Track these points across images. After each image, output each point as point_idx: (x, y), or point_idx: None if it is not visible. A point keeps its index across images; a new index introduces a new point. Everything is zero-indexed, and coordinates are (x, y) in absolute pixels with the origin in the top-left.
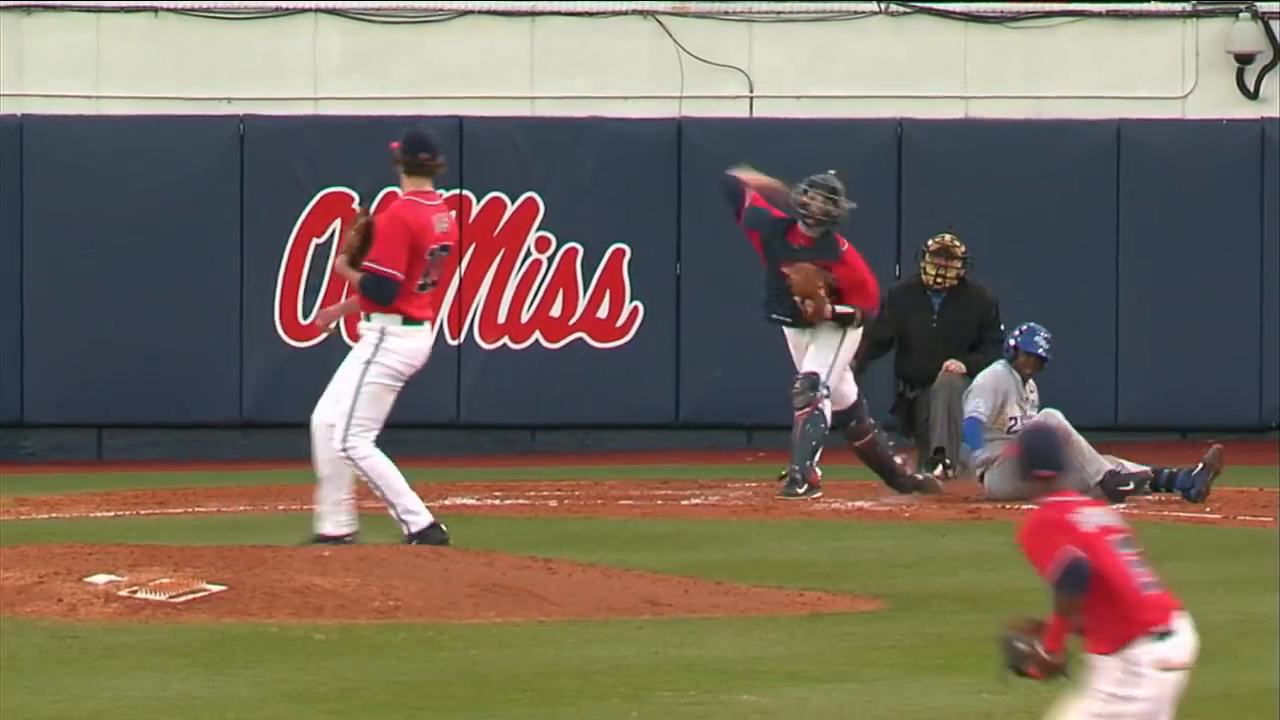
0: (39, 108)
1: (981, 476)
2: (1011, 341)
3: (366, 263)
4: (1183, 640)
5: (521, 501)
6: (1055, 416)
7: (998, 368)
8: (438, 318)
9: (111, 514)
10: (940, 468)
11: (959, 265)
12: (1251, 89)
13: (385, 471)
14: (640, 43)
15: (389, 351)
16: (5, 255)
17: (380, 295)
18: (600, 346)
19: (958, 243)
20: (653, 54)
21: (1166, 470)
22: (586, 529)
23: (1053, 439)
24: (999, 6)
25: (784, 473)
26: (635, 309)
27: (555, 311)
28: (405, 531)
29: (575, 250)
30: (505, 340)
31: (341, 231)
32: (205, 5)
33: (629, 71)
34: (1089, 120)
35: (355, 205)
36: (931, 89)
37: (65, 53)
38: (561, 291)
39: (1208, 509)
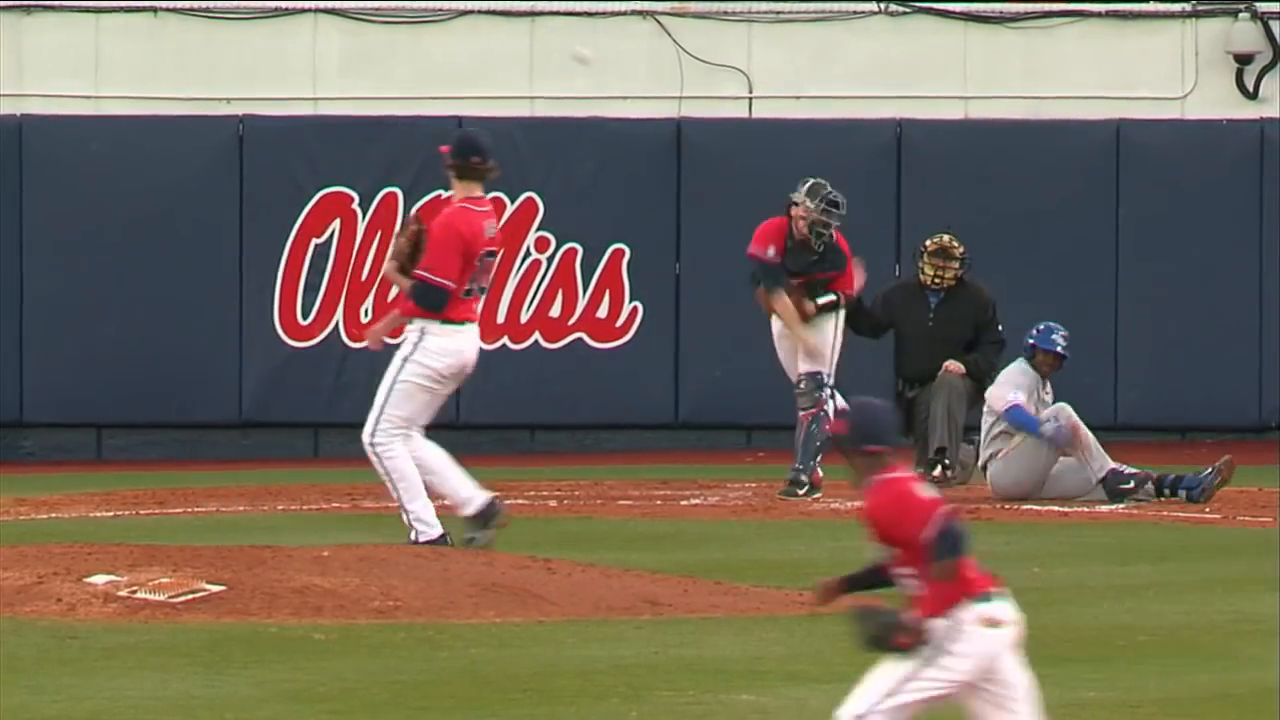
0: (38, 107)
1: (984, 467)
2: (1030, 340)
3: (419, 271)
4: (1005, 604)
5: (521, 501)
6: (1066, 411)
7: (1017, 365)
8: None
9: (111, 514)
10: (940, 468)
11: (957, 266)
12: (1251, 89)
13: (408, 473)
14: (640, 43)
15: (427, 350)
16: (5, 255)
17: (431, 303)
18: (599, 346)
19: (956, 243)
20: (652, 54)
21: (1172, 474)
22: (586, 529)
23: (881, 414)
24: (998, 7)
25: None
26: (635, 309)
27: (555, 311)
28: (412, 538)
29: (575, 250)
30: (505, 340)
31: (392, 237)
32: (205, 5)
33: (628, 72)
34: (1088, 120)
35: (402, 212)
36: (931, 89)
37: (65, 52)
38: (561, 291)
39: (1207, 509)
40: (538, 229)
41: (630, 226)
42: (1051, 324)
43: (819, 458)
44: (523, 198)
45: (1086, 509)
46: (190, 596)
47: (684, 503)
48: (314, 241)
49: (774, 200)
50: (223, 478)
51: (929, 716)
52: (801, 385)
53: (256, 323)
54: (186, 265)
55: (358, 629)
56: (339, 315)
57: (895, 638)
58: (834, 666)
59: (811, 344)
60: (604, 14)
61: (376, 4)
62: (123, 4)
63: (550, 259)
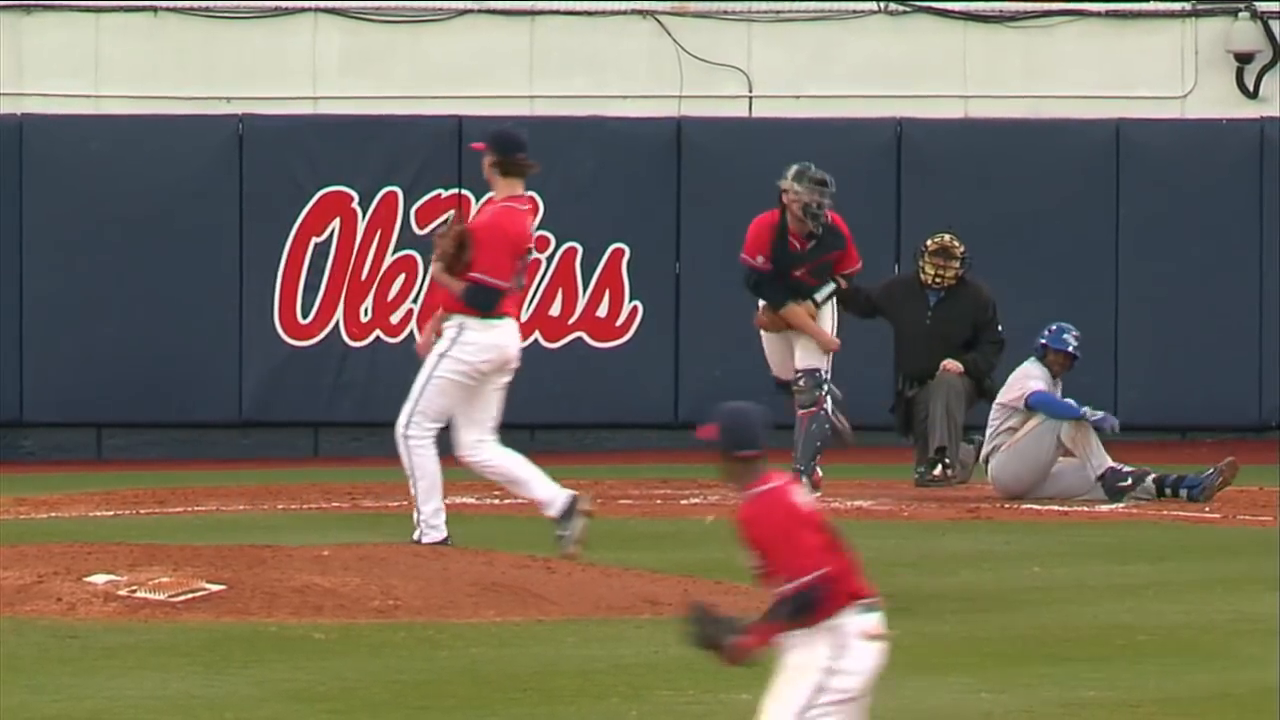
0: (38, 107)
1: (987, 459)
2: (1041, 340)
3: (474, 274)
4: (880, 615)
5: (521, 501)
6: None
7: (1029, 364)
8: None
9: (111, 513)
10: (941, 467)
11: (958, 265)
12: (1251, 88)
13: (431, 472)
14: (639, 42)
15: (465, 346)
16: (4, 254)
17: (484, 304)
18: (599, 346)
19: (957, 243)
20: (652, 53)
21: (1173, 474)
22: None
23: (752, 419)
24: (998, 6)
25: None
26: (635, 308)
27: (554, 311)
28: (416, 536)
29: (574, 250)
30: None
31: (435, 239)
32: (204, 5)
33: (628, 71)
34: (1088, 120)
35: (446, 214)
36: (931, 88)
37: (65, 52)
38: (561, 291)
39: (1207, 508)
40: (538, 228)
41: (630, 226)
42: (1063, 324)
43: (819, 457)
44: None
45: (1086, 508)
46: (190, 596)
47: (684, 502)
48: (314, 241)
49: (774, 200)
50: (223, 477)
51: None
52: (800, 383)
53: (256, 322)
54: (186, 265)
55: (358, 628)
56: (339, 314)
57: (723, 651)
58: None
59: (826, 340)
60: (604, 13)
61: (376, 3)
62: (123, 3)
63: (550, 258)
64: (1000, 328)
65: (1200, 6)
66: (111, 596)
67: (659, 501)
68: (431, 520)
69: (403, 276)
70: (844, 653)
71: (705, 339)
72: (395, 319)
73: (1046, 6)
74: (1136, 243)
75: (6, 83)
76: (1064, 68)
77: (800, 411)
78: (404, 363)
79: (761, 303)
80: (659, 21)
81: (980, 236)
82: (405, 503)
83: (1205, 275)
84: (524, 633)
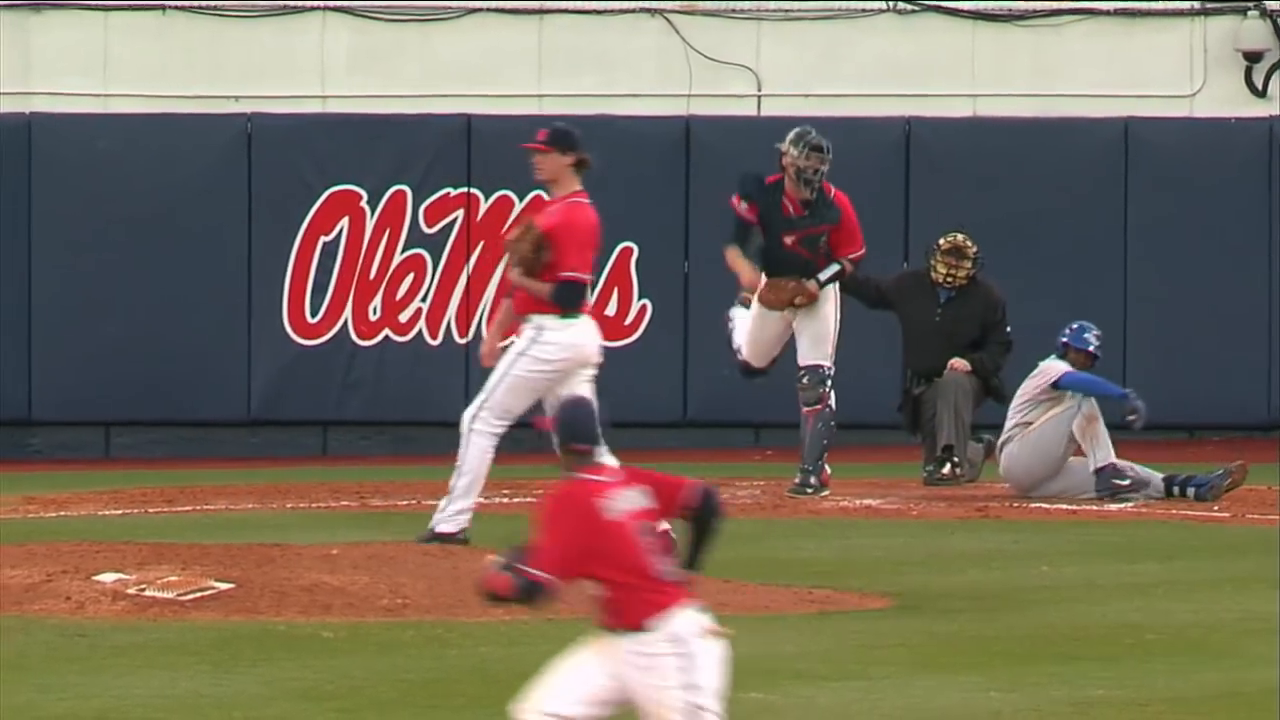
0: (46, 105)
1: (1000, 448)
2: (1063, 339)
3: (565, 273)
4: (692, 616)
5: (529, 499)
6: (1087, 404)
7: (1051, 361)
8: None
9: (119, 512)
10: (949, 466)
11: (970, 265)
12: (1260, 87)
13: (479, 471)
14: (648, 41)
15: (545, 345)
16: (13, 253)
17: (573, 301)
18: (608, 344)
19: (970, 243)
20: (661, 52)
21: (1183, 474)
22: None
23: (589, 413)
24: (1007, 5)
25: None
26: (643, 307)
27: None
28: (433, 526)
29: None
30: (514, 339)
31: (510, 245)
32: (213, 3)
33: (637, 69)
34: (1097, 118)
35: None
36: (939, 87)
37: (73, 51)
38: None
39: (1215, 508)
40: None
41: (638, 224)
42: (1084, 323)
43: (826, 455)
44: (531, 196)
45: (1095, 507)
46: (199, 594)
47: None
48: (322, 239)
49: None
50: (231, 476)
51: None
52: (804, 380)
53: (265, 321)
54: (194, 263)
55: (366, 627)
56: (347, 313)
57: (497, 586)
58: (843, 665)
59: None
60: (612, 12)
61: (385, 2)
62: (131, 2)
63: None
64: (1009, 329)
65: (1209, 5)
66: (120, 595)
67: None
68: (455, 515)
69: (411, 275)
70: (694, 661)
71: (713, 338)
72: (404, 318)
73: (1055, 6)
74: (1145, 241)
75: (15, 81)
76: (1073, 67)
77: (805, 409)
78: (413, 361)
79: (762, 282)
80: (668, 20)
81: (988, 235)
82: (413, 501)
83: (1214, 273)
84: (533, 631)
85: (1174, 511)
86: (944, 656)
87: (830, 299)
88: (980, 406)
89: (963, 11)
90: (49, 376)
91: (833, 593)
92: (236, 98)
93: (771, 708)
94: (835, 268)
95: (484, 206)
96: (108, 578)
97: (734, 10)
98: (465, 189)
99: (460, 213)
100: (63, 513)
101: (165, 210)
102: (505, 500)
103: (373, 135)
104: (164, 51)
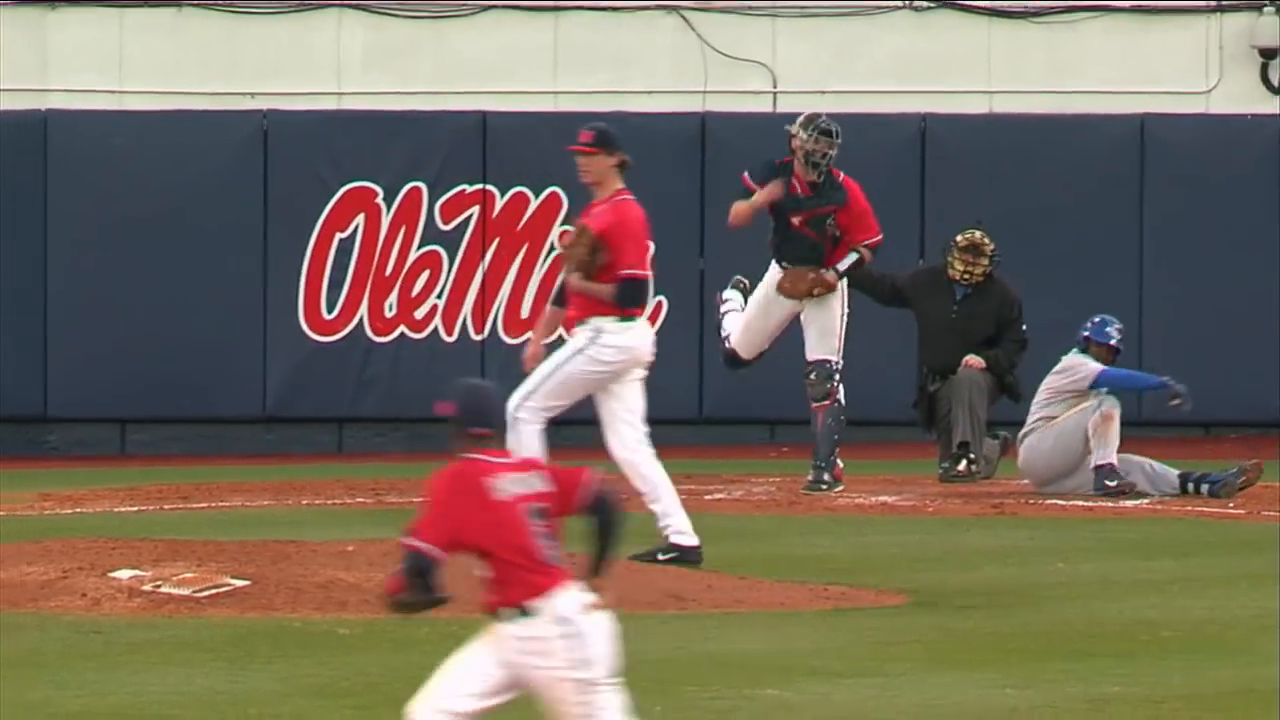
0: (62, 103)
1: (1021, 440)
2: (1084, 333)
3: (626, 271)
4: (574, 594)
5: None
6: (1109, 402)
7: (1073, 356)
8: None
9: (135, 509)
10: (965, 463)
11: (987, 263)
12: (1275, 84)
13: (535, 450)
14: (664, 37)
15: (603, 346)
16: (28, 250)
17: (636, 298)
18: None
19: (987, 240)
20: (676, 49)
21: (1198, 471)
22: None
23: (488, 398)
24: (1023, 2)
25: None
26: (659, 303)
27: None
28: None
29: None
30: (529, 335)
31: (565, 249)
32: (228, 0)
33: (652, 66)
34: (1113, 115)
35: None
36: (955, 84)
37: (88, 48)
38: None
39: (1230, 504)
40: (563, 223)
41: (654, 221)
42: (1106, 316)
43: (837, 450)
44: (547, 192)
45: (1111, 504)
46: (214, 591)
47: (708, 498)
48: (338, 236)
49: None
50: (247, 473)
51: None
52: (812, 376)
53: (280, 318)
54: (210, 260)
55: (382, 624)
56: (363, 310)
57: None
58: (858, 662)
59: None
60: (628, 8)
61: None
62: None
63: None
64: (1024, 327)
65: (1225, 2)
66: (135, 592)
67: (683, 497)
68: None
69: (427, 272)
70: (584, 640)
71: None
72: (419, 314)
73: (1071, 3)
74: (1160, 238)
75: (31, 78)
76: (1088, 63)
77: (813, 405)
78: (428, 358)
79: (780, 271)
80: (683, 17)
81: (1004, 231)
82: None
83: (1228, 270)
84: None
85: (1189, 508)
86: (960, 653)
87: (837, 294)
88: (995, 404)
89: (978, 8)
90: (65, 373)
91: (848, 589)
92: (252, 94)
93: (787, 704)
94: (854, 256)
95: (499, 203)
96: (123, 574)
97: (750, 7)
98: (481, 186)
99: (476, 209)
100: (78, 509)
101: (180, 207)
102: None
103: (388, 132)
104: (179, 48)
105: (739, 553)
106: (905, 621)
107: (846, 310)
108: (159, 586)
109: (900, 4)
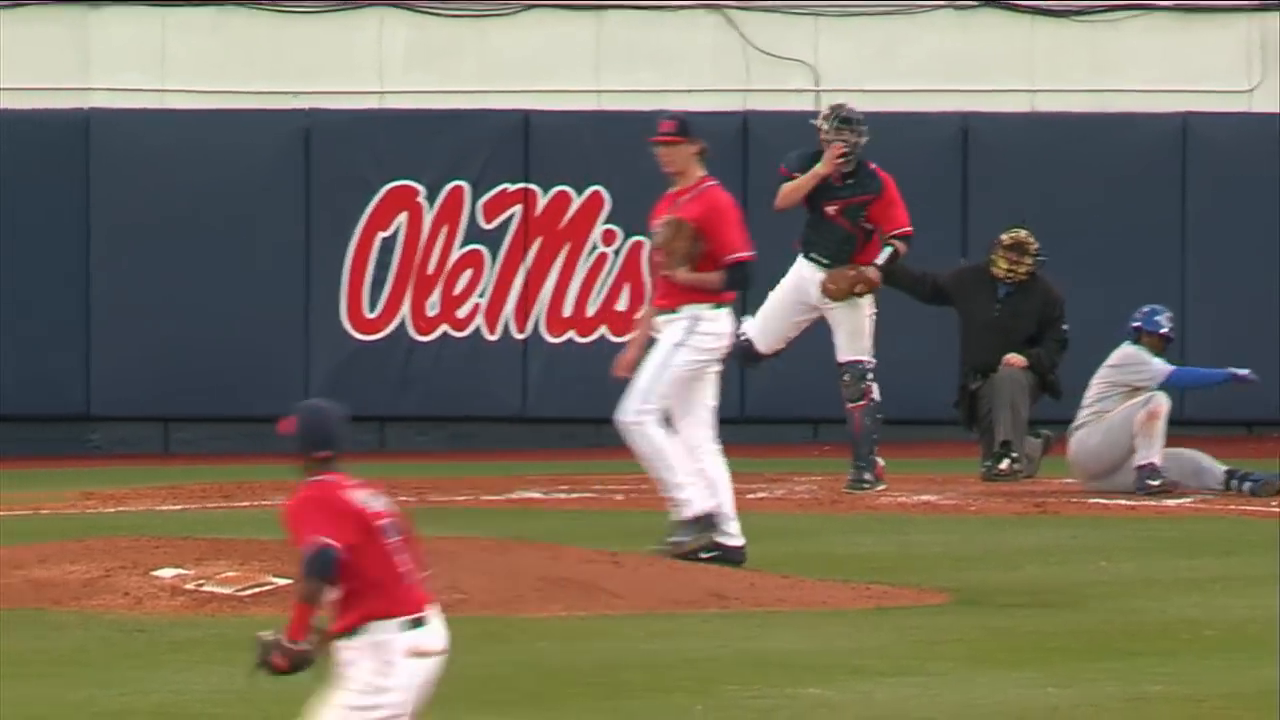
0: (105, 101)
1: (1071, 433)
2: (1134, 323)
3: (736, 256)
4: (434, 629)
5: (587, 495)
6: (1160, 397)
7: (1128, 347)
8: None
9: (178, 507)
10: (1007, 461)
11: (1030, 262)
12: None
13: (668, 451)
14: (706, 36)
15: (704, 335)
16: (71, 249)
17: (746, 282)
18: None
19: (1032, 239)
20: (718, 47)
21: (1242, 469)
22: (652, 522)
23: (330, 419)
24: (1065, 1)
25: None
26: None
27: (621, 305)
28: (680, 515)
29: (641, 244)
30: (571, 334)
31: (664, 244)
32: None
33: (694, 65)
34: (1155, 114)
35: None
36: (997, 83)
37: (131, 46)
38: (627, 285)
39: (1273, 503)
40: (605, 222)
41: None
42: (1156, 306)
43: (876, 448)
44: (589, 191)
45: (1153, 502)
46: (257, 590)
47: (750, 496)
48: (380, 235)
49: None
50: (289, 471)
51: None
52: (845, 377)
53: (323, 316)
54: (252, 259)
55: None
56: (405, 309)
57: (272, 658)
58: (900, 661)
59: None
60: (670, 7)
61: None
62: None
63: (617, 252)
64: (1065, 327)
65: (1267, 1)
66: (178, 590)
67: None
68: (683, 495)
69: (469, 271)
70: (388, 670)
71: None
72: (461, 313)
73: (1113, 1)
74: (1202, 236)
75: (73, 77)
76: (1130, 62)
77: (849, 406)
78: (470, 357)
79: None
80: (725, 15)
81: (1046, 229)
82: (472, 497)
83: (1271, 269)
84: (590, 627)
85: (1231, 507)
86: (1001, 652)
87: (861, 303)
88: (1037, 402)
89: (1021, 7)
90: (108, 372)
91: (890, 588)
92: (295, 93)
93: (828, 703)
94: (889, 250)
95: (541, 202)
96: (166, 573)
97: (792, 6)
98: (523, 185)
99: (518, 208)
100: (121, 508)
101: (223, 206)
102: (562, 496)
103: (430, 131)
104: (222, 47)
105: (781, 551)
106: (947, 620)
107: (874, 310)
108: (202, 585)
109: (943, 3)
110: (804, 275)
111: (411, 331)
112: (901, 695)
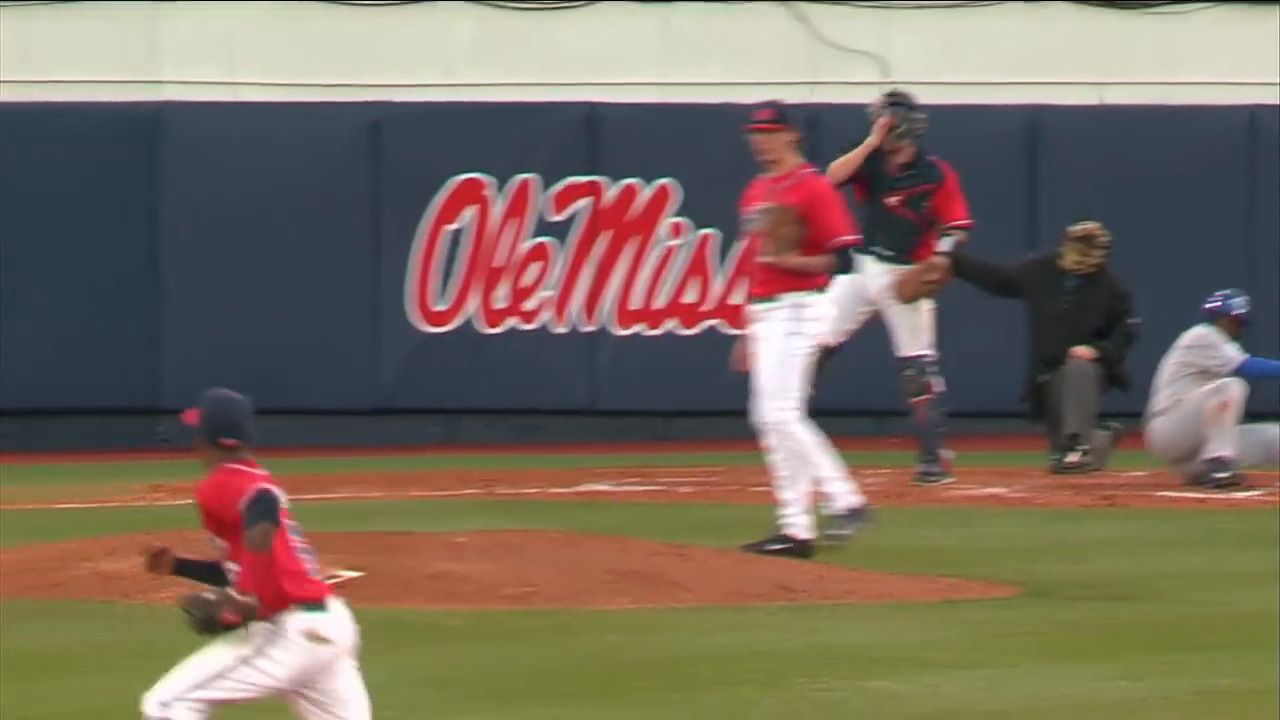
0: (176, 94)
1: (1150, 419)
2: (1209, 305)
3: (834, 240)
4: (335, 618)
5: (656, 487)
6: (1232, 385)
7: (1203, 329)
8: None
9: None
10: (1075, 454)
11: (1100, 254)
12: None
13: (812, 445)
14: (773, 28)
15: (811, 321)
16: (142, 241)
17: (851, 264)
18: (734, 333)
19: (1101, 232)
20: (785, 40)
21: None
22: (720, 515)
23: (238, 408)
24: None
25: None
26: None
27: (689, 298)
28: (832, 510)
29: (709, 236)
30: (639, 327)
31: (768, 231)
32: None
33: (761, 57)
34: (1222, 106)
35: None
36: (1065, 75)
37: (201, 40)
38: (696, 278)
39: None
40: (672, 215)
41: None
42: (1231, 289)
43: (943, 441)
44: (657, 184)
45: (1222, 495)
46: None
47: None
48: (446, 228)
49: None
50: (357, 464)
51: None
52: (908, 372)
53: (391, 309)
54: (321, 251)
55: (493, 615)
56: (473, 301)
57: (222, 614)
58: (968, 653)
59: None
60: (737, 0)
61: None
62: None
63: (685, 245)
64: (1133, 320)
65: None
66: None
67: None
68: (834, 489)
69: (538, 264)
70: (279, 642)
71: None
72: (529, 306)
73: None
74: (1271, 229)
75: (144, 70)
76: (1198, 54)
77: (913, 401)
78: (538, 349)
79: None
80: (793, 8)
81: (1114, 222)
82: (540, 489)
83: None
84: (658, 620)
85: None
86: (1070, 645)
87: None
88: (1105, 394)
89: None
90: (177, 364)
91: (958, 581)
92: (363, 86)
93: (896, 696)
94: (951, 239)
95: (609, 194)
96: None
97: None
98: (590, 177)
99: (586, 201)
100: (190, 501)
101: (293, 198)
102: (631, 488)
103: (498, 124)
104: (291, 40)
105: (849, 544)
106: (1015, 613)
107: (927, 315)
108: None
109: None
110: (863, 270)
111: (479, 324)
112: (970, 688)
